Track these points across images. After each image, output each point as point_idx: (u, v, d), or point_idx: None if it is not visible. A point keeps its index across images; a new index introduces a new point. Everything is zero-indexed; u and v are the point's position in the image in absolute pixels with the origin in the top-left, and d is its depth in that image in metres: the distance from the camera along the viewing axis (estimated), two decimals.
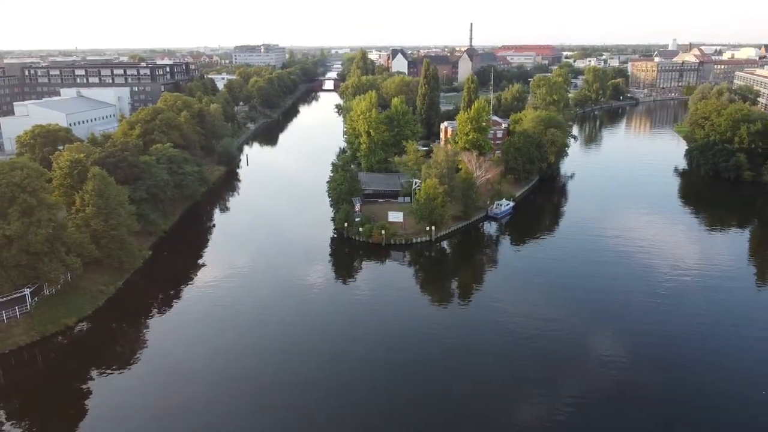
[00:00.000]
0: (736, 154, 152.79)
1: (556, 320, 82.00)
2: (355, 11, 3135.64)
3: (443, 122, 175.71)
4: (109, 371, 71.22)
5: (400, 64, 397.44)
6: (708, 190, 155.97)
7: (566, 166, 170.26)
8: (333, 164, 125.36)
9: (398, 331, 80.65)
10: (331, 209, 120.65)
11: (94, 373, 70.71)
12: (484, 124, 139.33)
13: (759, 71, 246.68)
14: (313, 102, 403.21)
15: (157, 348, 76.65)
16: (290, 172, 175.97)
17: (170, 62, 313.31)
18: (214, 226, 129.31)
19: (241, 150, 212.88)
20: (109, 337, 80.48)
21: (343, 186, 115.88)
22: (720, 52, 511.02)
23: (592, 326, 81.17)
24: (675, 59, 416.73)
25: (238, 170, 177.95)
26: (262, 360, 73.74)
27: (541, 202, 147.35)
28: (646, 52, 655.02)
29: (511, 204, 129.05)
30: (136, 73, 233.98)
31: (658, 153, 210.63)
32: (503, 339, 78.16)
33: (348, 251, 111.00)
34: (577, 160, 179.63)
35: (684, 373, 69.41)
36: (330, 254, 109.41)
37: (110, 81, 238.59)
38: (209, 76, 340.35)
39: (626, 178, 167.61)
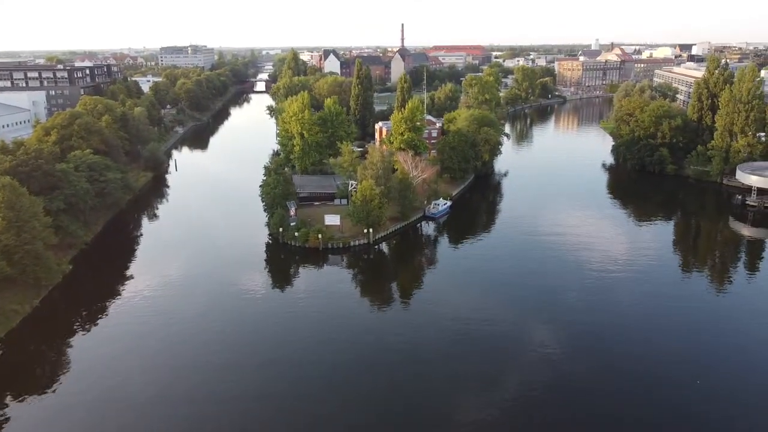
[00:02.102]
0: (659, 148, 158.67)
1: (493, 317, 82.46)
2: (286, 12, 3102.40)
3: (378, 122, 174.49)
4: (28, 396, 65.42)
5: (332, 65, 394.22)
6: (635, 184, 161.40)
7: (500, 164, 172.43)
8: (265, 167, 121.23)
9: (337, 334, 78.71)
10: (266, 214, 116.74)
11: (9, 399, 64.69)
12: (418, 123, 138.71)
13: (676, 69, 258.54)
14: (245, 104, 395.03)
15: (80, 369, 71.18)
16: (222, 176, 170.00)
17: (90, 64, 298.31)
18: (141, 235, 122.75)
19: (169, 154, 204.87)
20: (26, 360, 74.00)
21: (277, 189, 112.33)
22: (639, 52, 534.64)
23: (528, 320, 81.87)
24: (598, 58, 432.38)
25: (166, 176, 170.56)
26: (197, 374, 69.53)
27: (477, 200, 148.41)
28: (570, 52, 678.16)
29: (448, 203, 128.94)
30: (52, 76, 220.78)
31: (586, 149, 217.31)
32: (443, 336, 77.57)
33: (284, 257, 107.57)
34: (510, 158, 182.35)
35: (617, 360, 71.24)
36: (265, 261, 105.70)
37: (24, 85, 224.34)
38: (133, 78, 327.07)
39: (557, 174, 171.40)
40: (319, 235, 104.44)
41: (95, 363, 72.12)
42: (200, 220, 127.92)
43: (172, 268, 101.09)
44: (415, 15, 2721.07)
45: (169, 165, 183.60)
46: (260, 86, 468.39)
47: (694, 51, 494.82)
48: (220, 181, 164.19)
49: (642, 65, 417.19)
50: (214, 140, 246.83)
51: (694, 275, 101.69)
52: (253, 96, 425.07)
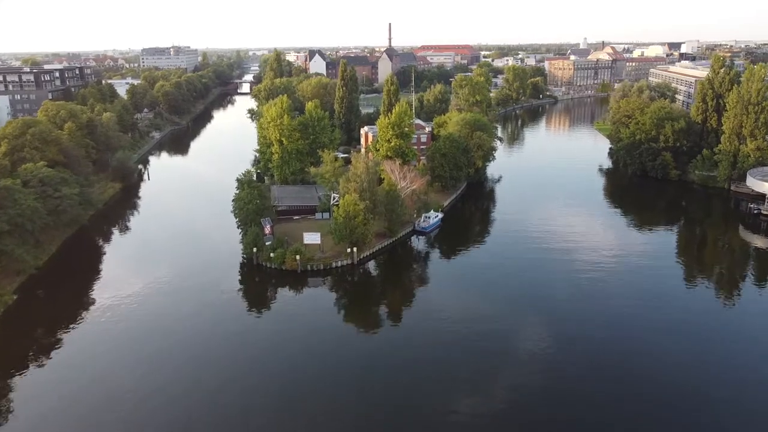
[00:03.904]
0: (662, 153, 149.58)
1: (489, 335, 77.20)
2: (273, 12, 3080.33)
3: (364, 127, 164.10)
4: None
5: (318, 65, 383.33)
6: (637, 190, 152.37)
7: (493, 169, 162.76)
8: (238, 180, 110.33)
9: (319, 362, 71.14)
10: (239, 232, 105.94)
11: None
12: (406, 129, 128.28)
13: (672, 68, 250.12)
14: (229, 106, 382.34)
15: (27, 410, 61.66)
16: (198, 186, 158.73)
17: (61, 66, 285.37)
18: (103, 255, 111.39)
19: (148, 162, 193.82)
20: None
21: (250, 205, 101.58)
22: (629, 50, 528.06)
23: (527, 341, 76.02)
24: (589, 57, 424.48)
25: (139, 185, 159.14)
26: (164, 412, 61.42)
27: (470, 210, 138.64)
28: (559, 51, 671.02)
29: (440, 216, 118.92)
30: (17, 79, 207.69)
31: (581, 152, 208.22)
32: (436, 368, 70.18)
33: (259, 280, 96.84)
34: (503, 162, 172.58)
35: (630, 379, 67.59)
36: (239, 284, 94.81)
37: None
38: (112, 80, 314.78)
39: (553, 180, 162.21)
40: (297, 257, 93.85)
41: (45, 404, 62.62)
42: (169, 237, 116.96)
43: (136, 293, 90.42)
44: (402, 14, 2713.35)
45: (144, 173, 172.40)
46: (245, 88, 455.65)
47: (683, 49, 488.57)
48: (195, 191, 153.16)
49: (633, 64, 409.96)
50: (192, 146, 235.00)
51: (703, 288, 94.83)
52: (237, 98, 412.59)
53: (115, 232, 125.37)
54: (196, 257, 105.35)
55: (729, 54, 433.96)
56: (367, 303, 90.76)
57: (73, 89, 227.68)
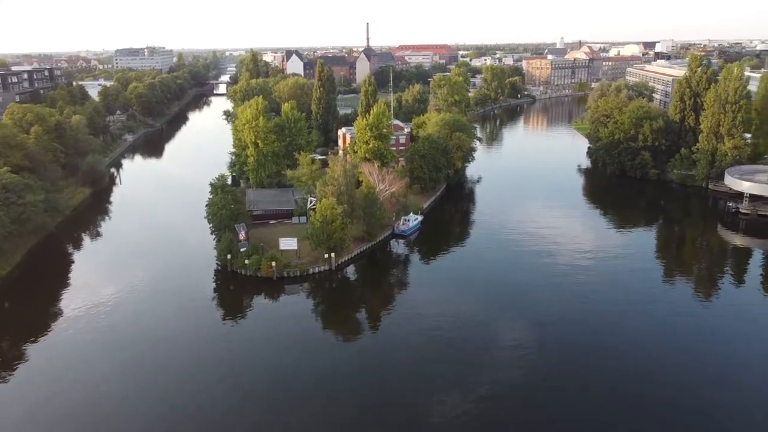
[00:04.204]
0: (640, 152, 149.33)
1: (471, 338, 75.68)
2: (250, 12, 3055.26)
3: (341, 128, 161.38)
4: None
5: (295, 66, 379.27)
6: (616, 189, 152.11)
7: (472, 170, 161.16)
8: (211, 184, 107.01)
9: (296, 369, 68.93)
10: (213, 237, 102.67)
11: None
12: (385, 130, 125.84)
13: (649, 67, 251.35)
14: (205, 108, 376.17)
15: None
16: (173, 190, 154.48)
17: (29, 68, 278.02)
18: (71, 263, 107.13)
19: (120, 165, 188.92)
20: None
21: (224, 210, 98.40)
22: (605, 50, 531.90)
23: (508, 343, 75.11)
24: (566, 57, 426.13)
25: (109, 190, 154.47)
26: (132, 425, 58.59)
27: (450, 212, 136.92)
28: (536, 51, 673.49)
29: (419, 218, 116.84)
30: None
31: (560, 151, 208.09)
32: (415, 372, 68.80)
33: (233, 288, 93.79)
34: (482, 162, 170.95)
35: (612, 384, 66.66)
36: (212, 292, 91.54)
37: None
38: (84, 82, 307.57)
39: (532, 180, 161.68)
40: (273, 263, 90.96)
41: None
42: (142, 243, 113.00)
43: (104, 304, 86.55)
44: (380, 14, 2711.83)
45: (116, 177, 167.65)
46: (222, 89, 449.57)
47: (658, 48, 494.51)
48: (170, 195, 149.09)
49: (610, 63, 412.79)
50: (167, 148, 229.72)
51: (682, 286, 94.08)
52: (213, 99, 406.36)
53: (85, 238, 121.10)
54: (169, 264, 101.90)
55: (703, 53, 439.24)
56: (346, 309, 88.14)
57: (41, 91, 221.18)
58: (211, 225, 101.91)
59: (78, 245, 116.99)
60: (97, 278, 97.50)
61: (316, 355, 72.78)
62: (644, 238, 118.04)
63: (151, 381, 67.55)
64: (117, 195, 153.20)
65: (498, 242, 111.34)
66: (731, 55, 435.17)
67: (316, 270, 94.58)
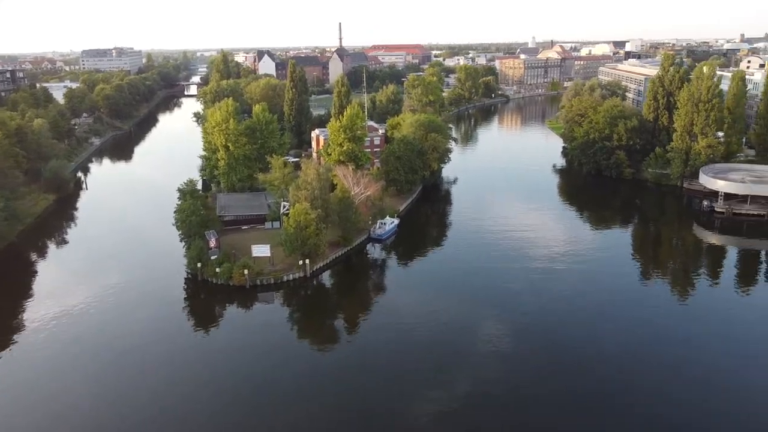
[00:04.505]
0: (615, 151, 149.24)
1: (449, 342, 74.79)
2: (222, 12, 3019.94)
3: (315, 130, 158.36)
4: None
5: (267, 66, 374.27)
6: (591, 189, 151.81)
7: (448, 171, 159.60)
8: (179, 190, 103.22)
9: (271, 379, 67.50)
10: (183, 245, 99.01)
11: None
12: (359, 132, 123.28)
13: (621, 66, 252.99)
14: (176, 109, 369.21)
15: None
16: (142, 195, 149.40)
17: None
18: (34, 273, 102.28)
19: (87, 170, 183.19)
20: None
21: (193, 217, 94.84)
22: (576, 49, 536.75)
23: (488, 347, 74.06)
24: (539, 56, 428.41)
25: (74, 196, 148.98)
26: None
27: (426, 214, 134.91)
28: (509, 50, 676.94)
29: (396, 221, 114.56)
30: None
31: (535, 151, 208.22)
32: (394, 365, 69.55)
33: (204, 297, 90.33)
34: (457, 163, 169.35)
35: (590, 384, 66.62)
36: (182, 302, 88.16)
37: None
38: (48, 84, 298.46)
39: (508, 180, 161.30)
40: (245, 271, 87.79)
41: None
42: (108, 251, 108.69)
43: (68, 315, 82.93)
44: (352, 14, 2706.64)
45: (82, 182, 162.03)
46: (193, 90, 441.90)
47: (628, 48, 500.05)
48: (138, 200, 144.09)
49: (582, 62, 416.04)
50: (136, 151, 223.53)
51: (659, 285, 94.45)
52: (184, 101, 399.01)
53: (49, 247, 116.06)
54: (137, 272, 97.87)
55: (672, 52, 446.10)
56: (322, 316, 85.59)
57: (2, 94, 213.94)
58: (180, 232, 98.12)
59: (41, 254, 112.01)
60: (61, 288, 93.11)
61: (292, 364, 70.70)
62: (621, 238, 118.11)
63: (116, 394, 64.64)
64: (83, 201, 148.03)
65: (475, 244, 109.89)
66: (699, 54, 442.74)
67: (291, 277, 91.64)
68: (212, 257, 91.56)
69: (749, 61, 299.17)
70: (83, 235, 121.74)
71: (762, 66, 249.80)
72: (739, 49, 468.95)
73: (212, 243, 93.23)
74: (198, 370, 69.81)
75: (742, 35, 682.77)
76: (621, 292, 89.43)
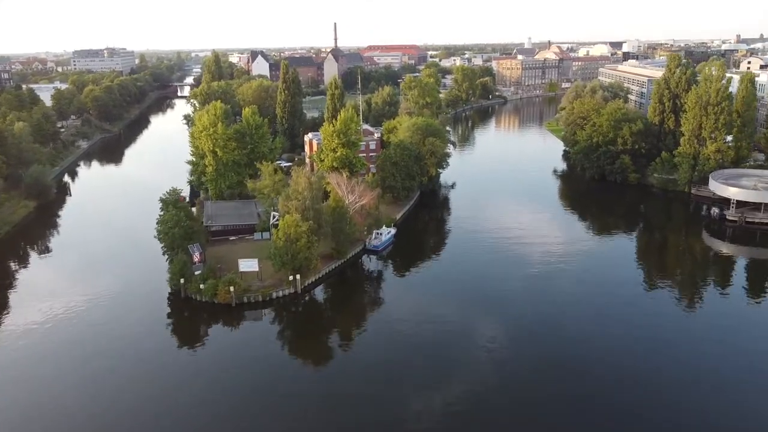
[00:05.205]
0: (620, 156, 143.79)
1: (450, 362, 70.32)
2: (217, 12, 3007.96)
3: (308, 133, 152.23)
4: None
5: (261, 67, 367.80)
6: (596, 195, 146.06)
7: (446, 175, 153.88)
8: (162, 200, 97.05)
9: (259, 403, 63.47)
10: (166, 259, 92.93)
11: None
12: (353, 137, 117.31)
13: (621, 67, 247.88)
14: (168, 111, 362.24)
15: None
16: (128, 202, 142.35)
17: None
18: (10, 286, 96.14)
19: (74, 174, 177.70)
20: None
21: (176, 229, 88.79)
22: (573, 49, 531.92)
23: (488, 364, 70.66)
24: (536, 57, 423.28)
25: (57, 203, 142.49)
26: None
27: (424, 221, 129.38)
28: (505, 50, 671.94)
29: (392, 231, 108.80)
30: None
31: (536, 154, 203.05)
32: (392, 387, 65.88)
33: (188, 315, 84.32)
34: (456, 167, 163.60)
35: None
36: (164, 321, 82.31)
37: None
38: (37, 85, 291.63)
39: (510, 184, 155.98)
40: (231, 289, 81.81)
41: None
42: (88, 263, 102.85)
43: (43, 332, 78.08)
44: (348, 14, 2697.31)
45: (67, 188, 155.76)
46: (186, 91, 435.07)
47: (625, 48, 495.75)
48: (124, 207, 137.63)
49: (580, 63, 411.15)
50: (125, 155, 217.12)
51: (669, 296, 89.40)
52: (177, 102, 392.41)
53: (24, 258, 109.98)
54: (117, 287, 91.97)
55: (669, 53, 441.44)
56: (314, 334, 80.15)
57: None
58: (162, 245, 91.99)
59: (17, 266, 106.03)
60: (37, 302, 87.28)
61: (279, 384, 66.80)
62: (628, 247, 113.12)
63: (91, 414, 60.84)
64: (66, 207, 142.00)
65: (475, 255, 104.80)
66: (697, 55, 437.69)
67: (280, 294, 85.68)
68: (196, 273, 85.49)
69: (749, 62, 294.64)
70: (63, 244, 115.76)
71: (763, 67, 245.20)
72: (736, 50, 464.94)
73: (196, 257, 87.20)
74: (178, 393, 65.15)
75: (738, 36, 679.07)
76: (628, 303, 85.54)
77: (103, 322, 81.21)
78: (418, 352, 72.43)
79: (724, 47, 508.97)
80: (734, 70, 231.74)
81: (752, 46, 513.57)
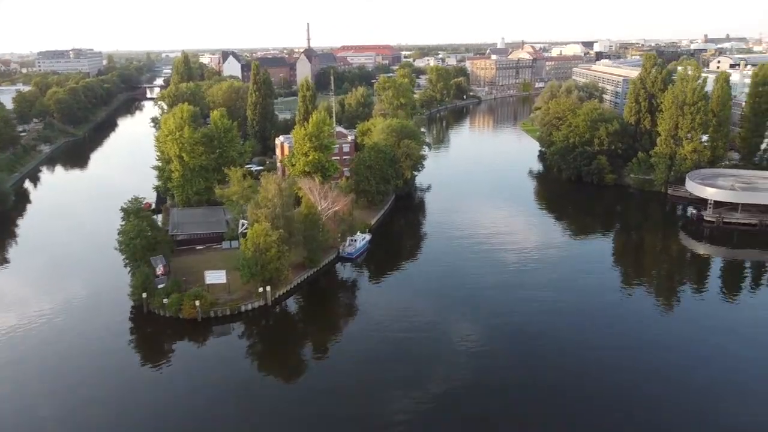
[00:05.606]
0: (597, 156, 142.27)
1: (423, 372, 68.42)
2: (188, 12, 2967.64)
3: (280, 136, 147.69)
4: None
5: (232, 68, 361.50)
6: (573, 195, 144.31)
7: (422, 177, 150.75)
8: (123, 209, 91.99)
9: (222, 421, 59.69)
10: (128, 271, 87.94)
11: None
12: (326, 141, 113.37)
13: (596, 67, 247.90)
14: (137, 113, 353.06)
15: None
16: (92, 209, 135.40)
17: None
18: None
19: (36, 180, 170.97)
20: None
21: (138, 240, 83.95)
22: (546, 49, 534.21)
23: (464, 374, 68.33)
24: (510, 57, 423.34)
25: (14, 212, 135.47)
26: None
27: (399, 225, 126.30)
28: (478, 51, 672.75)
29: (367, 237, 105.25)
30: None
31: (512, 155, 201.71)
32: (368, 403, 63.18)
33: (151, 332, 79.54)
34: (431, 168, 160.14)
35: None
36: (127, 338, 77.43)
37: None
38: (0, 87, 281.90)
39: (486, 186, 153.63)
40: (197, 302, 77.38)
41: None
42: (45, 275, 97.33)
43: None
44: (321, 14, 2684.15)
45: (27, 195, 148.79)
46: (156, 93, 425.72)
47: (596, 48, 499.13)
48: (87, 215, 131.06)
49: (553, 63, 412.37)
50: (91, 159, 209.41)
51: (648, 297, 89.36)
52: (146, 104, 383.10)
53: None
54: (77, 302, 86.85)
55: (640, 53, 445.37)
56: (285, 350, 76.29)
57: None
58: (124, 257, 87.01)
59: None
60: None
61: (250, 400, 63.29)
62: (606, 248, 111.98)
63: None
64: (26, 216, 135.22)
65: (451, 259, 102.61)
66: (668, 54, 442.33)
67: (250, 307, 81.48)
68: (159, 286, 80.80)
69: (719, 62, 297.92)
70: (20, 255, 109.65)
71: (733, 66, 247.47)
72: (705, 50, 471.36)
73: (159, 270, 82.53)
74: (140, 411, 61.37)
75: (706, 36, 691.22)
76: (606, 303, 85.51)
77: (59, 339, 76.61)
78: (395, 363, 69.81)
79: (693, 47, 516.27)
80: (706, 69, 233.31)
81: (720, 45, 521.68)
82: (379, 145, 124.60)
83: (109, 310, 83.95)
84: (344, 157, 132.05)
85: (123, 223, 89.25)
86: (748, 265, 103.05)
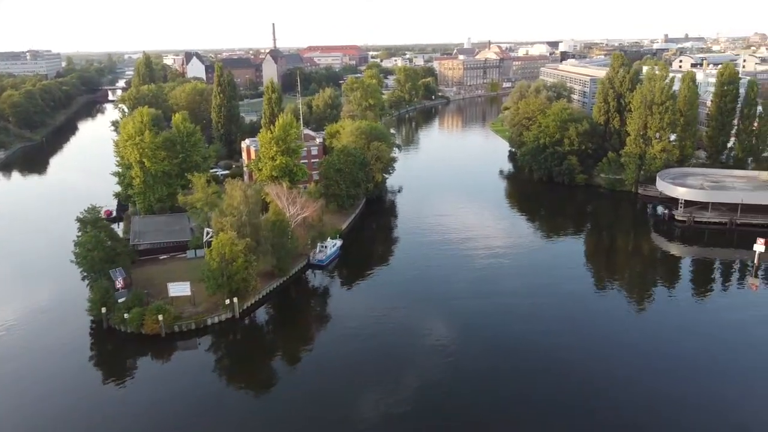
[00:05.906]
0: (567, 156, 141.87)
1: (396, 378, 67.09)
2: (151, 13, 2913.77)
3: (246, 139, 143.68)
4: None
5: (196, 69, 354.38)
6: (544, 196, 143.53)
7: (392, 179, 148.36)
8: (79, 219, 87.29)
9: None
10: (86, 285, 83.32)
11: None
12: (293, 144, 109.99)
13: (563, 67, 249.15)
14: (98, 116, 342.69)
15: None
16: (48, 218, 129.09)
17: None
18: None
19: None
20: None
21: (96, 252, 79.53)
22: (512, 49, 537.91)
23: (437, 376, 67.91)
24: (477, 57, 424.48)
25: None
26: None
27: (371, 229, 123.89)
28: (445, 51, 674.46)
29: (338, 244, 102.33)
30: None
31: (482, 155, 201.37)
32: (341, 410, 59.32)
33: (111, 349, 75.34)
34: (401, 170, 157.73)
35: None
36: (86, 355, 73.23)
37: None
38: None
39: (457, 187, 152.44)
40: (160, 317, 73.46)
41: None
42: None
43: None
44: (287, 15, 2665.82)
45: None
46: (119, 95, 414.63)
47: (561, 48, 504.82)
48: (44, 224, 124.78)
49: (520, 63, 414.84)
50: (49, 165, 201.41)
51: (622, 297, 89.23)
52: (108, 107, 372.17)
53: None
54: (31, 317, 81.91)
55: (604, 52, 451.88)
56: (254, 363, 73.20)
57: None
58: (81, 270, 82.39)
59: None
60: None
61: (217, 419, 60.09)
62: (577, 248, 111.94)
63: None
64: None
65: (424, 261, 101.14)
66: (631, 54, 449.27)
67: (216, 320, 77.87)
68: (119, 300, 76.57)
69: (681, 61, 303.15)
70: None
71: (694, 65, 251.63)
72: (667, 49, 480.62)
73: (119, 283, 78.27)
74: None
75: (666, 35, 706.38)
76: (578, 302, 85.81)
77: (11, 357, 71.94)
78: (369, 371, 68.06)
79: (655, 47, 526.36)
80: (670, 69, 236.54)
81: (680, 45, 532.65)
82: (349, 148, 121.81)
83: (67, 325, 79.33)
84: (312, 160, 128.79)
85: (79, 234, 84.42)
86: (718, 264, 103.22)
